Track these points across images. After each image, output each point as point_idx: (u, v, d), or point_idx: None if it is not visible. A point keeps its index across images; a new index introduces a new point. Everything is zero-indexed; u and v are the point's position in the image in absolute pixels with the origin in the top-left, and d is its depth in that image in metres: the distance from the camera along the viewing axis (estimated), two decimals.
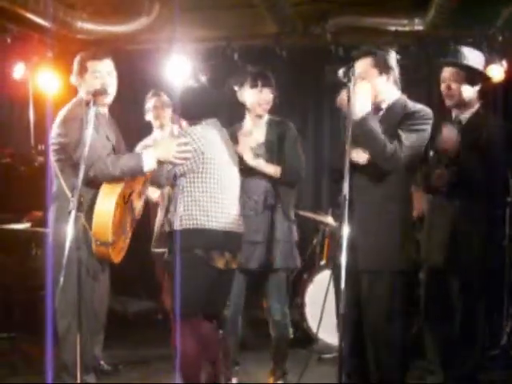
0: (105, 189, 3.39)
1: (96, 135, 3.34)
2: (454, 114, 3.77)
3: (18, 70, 6.00)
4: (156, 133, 4.79)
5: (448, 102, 3.74)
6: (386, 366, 3.24)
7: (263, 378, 4.00)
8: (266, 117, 3.89)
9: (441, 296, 3.74)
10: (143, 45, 6.19)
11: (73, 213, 3.00)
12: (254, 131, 3.83)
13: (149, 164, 3.36)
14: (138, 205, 3.69)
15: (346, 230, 2.75)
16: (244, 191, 3.70)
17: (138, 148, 4.46)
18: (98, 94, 3.34)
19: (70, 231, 2.97)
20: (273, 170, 3.76)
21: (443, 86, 3.73)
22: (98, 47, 5.92)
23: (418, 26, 5.47)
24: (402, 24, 5.52)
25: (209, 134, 3.44)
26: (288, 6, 5.39)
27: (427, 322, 3.87)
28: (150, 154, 3.39)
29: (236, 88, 3.87)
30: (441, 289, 3.73)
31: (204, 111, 3.51)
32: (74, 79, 3.56)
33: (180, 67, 5.78)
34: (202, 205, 3.36)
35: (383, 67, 3.25)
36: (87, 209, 3.30)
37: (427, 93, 5.30)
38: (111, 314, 3.95)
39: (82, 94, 3.53)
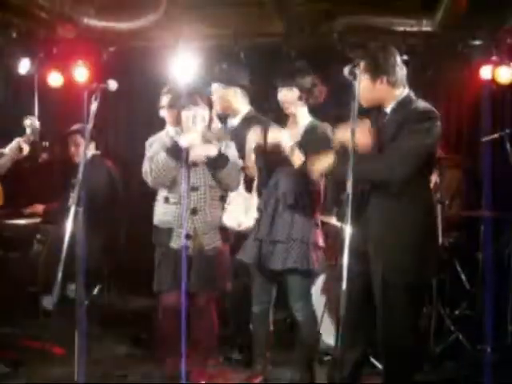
0: None
1: None
2: None
3: (24, 66, 5.99)
4: (169, 129, 4.79)
5: None
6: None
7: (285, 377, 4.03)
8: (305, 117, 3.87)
9: None
10: (150, 42, 6.15)
11: (72, 208, 2.99)
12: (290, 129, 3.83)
13: None
14: None
15: (348, 230, 2.70)
16: (266, 190, 3.76)
17: (148, 143, 4.45)
18: None
19: (69, 226, 2.96)
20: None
21: None
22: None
23: (426, 26, 5.42)
24: (410, 24, 5.47)
25: None
26: (295, 4, 5.36)
27: None
28: None
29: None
30: None
31: None
32: None
33: (187, 65, 5.75)
34: None
35: (374, 72, 3.19)
36: None
37: (434, 93, 5.26)
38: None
39: None
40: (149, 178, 3.78)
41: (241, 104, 4.32)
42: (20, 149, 4.19)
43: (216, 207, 3.83)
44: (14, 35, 5.64)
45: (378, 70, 3.20)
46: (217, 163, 3.74)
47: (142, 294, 5.56)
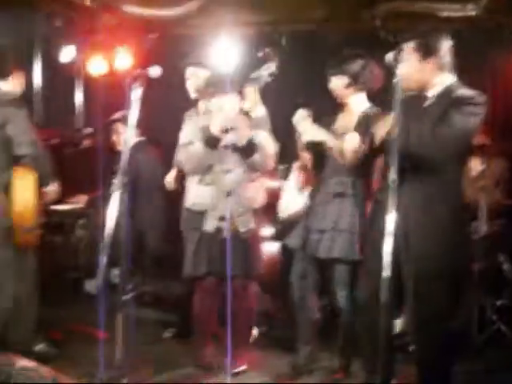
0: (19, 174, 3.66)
1: None
2: None
3: (67, 53, 6.07)
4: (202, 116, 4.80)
5: None
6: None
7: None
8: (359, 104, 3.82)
9: None
10: (191, 29, 6.17)
11: (116, 194, 3.03)
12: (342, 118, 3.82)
13: None
14: None
15: (393, 217, 2.66)
16: (316, 178, 3.78)
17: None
18: None
19: (111, 212, 3.00)
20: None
21: None
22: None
23: (471, 10, 5.31)
24: (454, 9, 5.37)
25: None
26: None
27: None
28: None
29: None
30: None
31: None
32: None
33: (228, 51, 5.74)
34: None
35: (425, 51, 3.14)
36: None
37: (480, 79, 5.15)
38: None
39: None
40: (185, 167, 3.80)
41: None
42: None
43: (250, 189, 3.83)
44: (59, 23, 5.71)
45: (429, 50, 3.15)
46: (245, 151, 3.75)
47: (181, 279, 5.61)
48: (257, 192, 3.87)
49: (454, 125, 3.03)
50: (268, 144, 3.85)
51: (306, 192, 3.85)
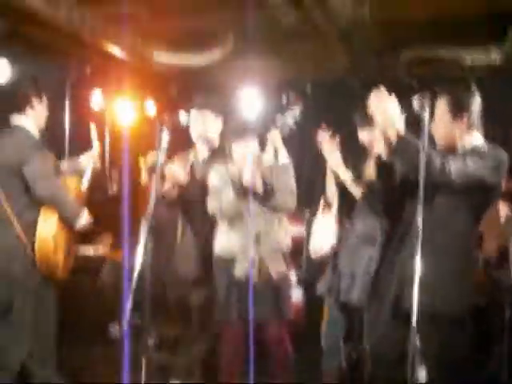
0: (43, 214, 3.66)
1: None
2: None
3: (97, 100, 6.21)
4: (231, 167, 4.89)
5: None
6: None
7: None
8: None
9: None
10: (218, 76, 6.28)
11: (143, 237, 3.07)
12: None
13: None
14: None
15: (418, 264, 2.65)
16: (346, 222, 3.81)
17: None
18: None
19: (139, 256, 3.03)
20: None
21: None
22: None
23: (494, 57, 5.36)
24: (477, 55, 5.42)
25: None
26: (360, 37, 5.38)
27: None
28: None
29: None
30: None
31: None
32: None
33: (252, 98, 5.84)
34: None
35: (457, 110, 3.12)
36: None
37: (503, 128, 5.15)
38: None
39: None
40: (218, 214, 3.85)
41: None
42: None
43: (279, 233, 3.86)
44: (88, 70, 5.86)
45: (460, 108, 3.12)
46: (262, 197, 3.80)
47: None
48: (285, 235, 3.89)
49: (468, 175, 2.98)
50: (288, 187, 3.88)
51: (334, 229, 3.85)
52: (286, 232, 3.91)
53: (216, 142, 4.26)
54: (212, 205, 3.87)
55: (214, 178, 3.94)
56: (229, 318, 3.85)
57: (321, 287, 3.93)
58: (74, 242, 3.99)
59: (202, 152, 4.23)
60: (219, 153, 4.17)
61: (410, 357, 2.62)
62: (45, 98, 3.94)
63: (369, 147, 3.85)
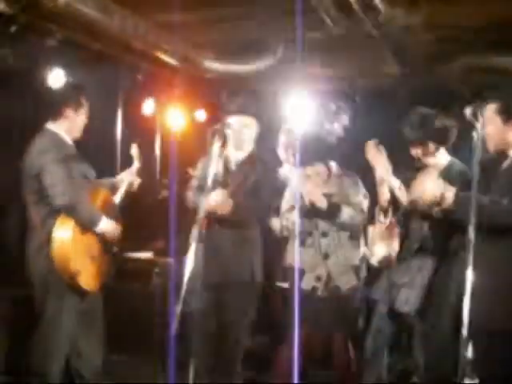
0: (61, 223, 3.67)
1: None
2: None
3: (148, 107, 6.30)
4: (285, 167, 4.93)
5: None
6: None
7: None
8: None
9: None
10: (267, 84, 6.30)
11: (193, 244, 3.10)
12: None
13: None
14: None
15: (470, 276, 2.62)
16: (405, 234, 3.84)
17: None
18: None
19: (189, 262, 3.06)
20: None
21: None
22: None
23: None
24: None
25: None
26: (412, 46, 5.33)
27: None
28: None
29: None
30: None
31: None
32: None
33: (302, 107, 5.83)
34: None
35: (508, 114, 3.11)
36: None
37: None
38: None
39: None
40: (284, 233, 3.90)
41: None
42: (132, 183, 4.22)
43: (348, 248, 3.86)
44: (140, 78, 5.94)
45: None
46: (328, 215, 3.81)
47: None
48: (357, 250, 3.90)
49: None
50: (356, 202, 3.89)
51: (391, 238, 3.84)
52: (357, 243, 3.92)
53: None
54: (283, 222, 3.94)
55: (286, 195, 4.01)
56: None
57: (375, 293, 3.93)
58: (108, 249, 3.99)
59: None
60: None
61: (461, 369, 2.58)
62: (84, 107, 3.96)
63: (418, 159, 3.82)
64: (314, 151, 3.92)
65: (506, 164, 3.17)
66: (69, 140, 3.94)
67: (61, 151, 3.79)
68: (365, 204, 3.93)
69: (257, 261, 4.02)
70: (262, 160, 4.12)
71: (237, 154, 4.14)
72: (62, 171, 3.71)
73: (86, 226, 3.77)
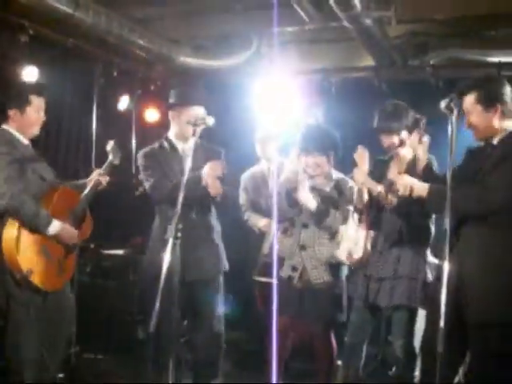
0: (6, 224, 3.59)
1: None
2: None
3: (123, 102, 6.25)
4: (262, 164, 4.98)
5: None
6: None
7: None
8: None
9: None
10: (241, 78, 6.29)
11: (170, 241, 3.08)
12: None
13: None
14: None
15: (446, 267, 2.65)
16: (374, 227, 3.85)
17: (243, 177, 4.72)
18: None
19: (166, 259, 3.04)
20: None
21: None
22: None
23: None
24: (505, 55, 5.36)
25: None
26: (386, 39, 5.35)
27: None
28: None
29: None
30: None
31: None
32: None
33: (277, 100, 5.83)
34: None
35: (488, 101, 3.13)
36: None
37: None
38: None
39: None
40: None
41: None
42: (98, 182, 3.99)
43: (325, 245, 3.92)
44: (115, 74, 5.90)
45: (493, 99, 3.14)
46: (315, 216, 3.89)
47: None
48: (336, 247, 3.92)
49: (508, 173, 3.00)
50: (343, 207, 3.96)
51: (365, 235, 3.86)
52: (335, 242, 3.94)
53: None
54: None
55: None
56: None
57: (352, 290, 3.96)
58: (69, 249, 3.86)
59: None
60: None
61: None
62: (35, 104, 3.77)
63: (389, 150, 3.85)
64: (314, 141, 3.91)
65: (489, 151, 3.18)
66: (23, 139, 3.77)
67: (11, 151, 3.66)
68: (351, 209, 3.93)
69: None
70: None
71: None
72: (7, 172, 3.58)
73: (32, 228, 3.65)
